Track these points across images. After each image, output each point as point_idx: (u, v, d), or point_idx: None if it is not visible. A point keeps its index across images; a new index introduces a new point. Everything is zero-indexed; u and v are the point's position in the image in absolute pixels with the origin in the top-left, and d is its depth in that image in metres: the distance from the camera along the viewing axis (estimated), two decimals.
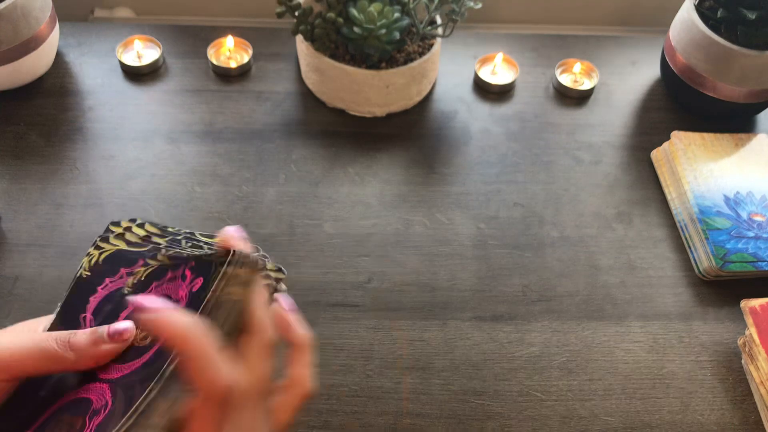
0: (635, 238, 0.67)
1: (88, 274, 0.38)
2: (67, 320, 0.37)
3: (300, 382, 0.37)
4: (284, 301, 0.38)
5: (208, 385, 0.30)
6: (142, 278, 0.37)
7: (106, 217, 0.64)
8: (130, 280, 0.37)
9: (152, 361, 0.32)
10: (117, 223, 0.41)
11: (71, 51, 0.77)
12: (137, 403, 0.30)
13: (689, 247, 0.66)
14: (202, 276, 0.34)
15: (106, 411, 0.31)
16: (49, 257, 0.61)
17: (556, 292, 0.62)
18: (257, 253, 0.35)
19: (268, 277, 0.36)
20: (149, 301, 0.31)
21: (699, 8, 0.72)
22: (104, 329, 0.34)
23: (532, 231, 0.66)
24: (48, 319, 0.37)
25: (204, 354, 0.30)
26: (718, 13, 0.71)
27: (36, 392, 0.35)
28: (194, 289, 0.35)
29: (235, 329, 0.33)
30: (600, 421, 0.55)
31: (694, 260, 0.65)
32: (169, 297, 0.36)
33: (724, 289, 0.63)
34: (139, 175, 0.67)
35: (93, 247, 0.39)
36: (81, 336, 0.34)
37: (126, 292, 0.37)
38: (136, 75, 0.76)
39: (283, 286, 0.39)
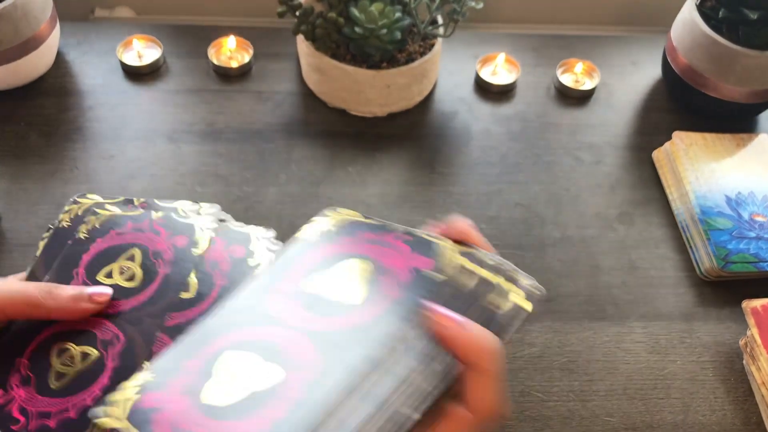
0: (636, 239, 0.66)
1: (86, 236, 0.44)
2: (61, 274, 0.41)
3: (483, 407, 0.32)
4: (435, 309, 0.33)
5: (484, 406, 0.29)
6: (98, 226, 0.43)
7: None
8: (84, 227, 0.43)
9: (155, 299, 0.35)
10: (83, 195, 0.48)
11: (71, 51, 0.77)
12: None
13: (691, 247, 0.66)
14: (429, 258, 0.33)
15: (123, 343, 0.34)
16: None
17: (558, 293, 0.62)
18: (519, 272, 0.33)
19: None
20: (443, 312, 0.30)
21: (700, 8, 0.72)
22: (87, 290, 0.37)
23: (533, 231, 0.66)
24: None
25: (495, 376, 0.29)
26: (720, 13, 0.70)
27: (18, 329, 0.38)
28: (180, 246, 0.41)
29: None
30: (601, 422, 0.55)
31: (696, 261, 0.65)
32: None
33: (726, 289, 0.63)
34: (139, 175, 0.67)
35: (71, 203, 0.47)
36: (64, 289, 0.37)
37: (83, 237, 0.43)
38: (136, 75, 0.75)
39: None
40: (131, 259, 0.40)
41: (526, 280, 0.33)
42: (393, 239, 0.34)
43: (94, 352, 0.35)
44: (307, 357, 0.28)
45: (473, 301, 0.31)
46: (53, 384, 0.35)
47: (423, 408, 0.27)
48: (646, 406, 0.56)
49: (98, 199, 0.48)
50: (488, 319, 0.31)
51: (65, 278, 0.42)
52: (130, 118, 0.72)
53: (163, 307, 0.37)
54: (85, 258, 0.41)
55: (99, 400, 0.32)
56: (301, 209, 0.66)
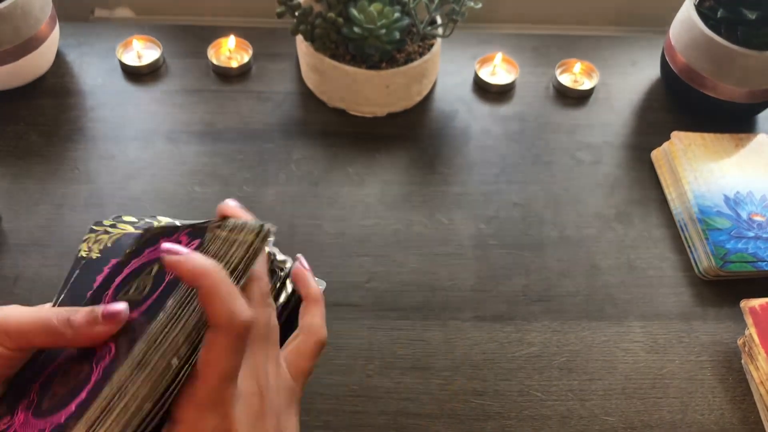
0: (635, 238, 0.67)
1: (98, 255, 0.43)
2: (74, 296, 0.41)
3: (315, 329, 0.40)
4: (300, 260, 0.42)
5: (228, 317, 0.31)
6: (134, 249, 0.41)
7: (106, 217, 0.63)
8: (127, 251, 0.41)
9: (152, 307, 0.34)
10: (100, 223, 0.46)
11: (71, 51, 0.77)
12: (148, 330, 0.32)
13: (689, 247, 0.66)
14: (198, 239, 0.36)
15: (111, 354, 0.34)
16: (49, 257, 0.61)
17: (556, 292, 0.62)
18: (254, 220, 0.36)
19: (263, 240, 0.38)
20: (173, 247, 0.33)
21: (699, 8, 0.72)
22: (99, 309, 0.35)
23: (532, 231, 0.66)
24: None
25: (226, 288, 0.31)
26: (719, 13, 0.71)
27: (49, 358, 0.38)
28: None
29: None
30: (600, 421, 0.55)
31: (694, 260, 0.65)
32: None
33: (724, 289, 0.63)
34: (139, 175, 0.67)
35: (89, 232, 0.45)
36: (79, 315, 0.35)
37: (121, 260, 0.41)
38: (136, 75, 0.76)
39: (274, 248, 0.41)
40: (149, 273, 0.38)
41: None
42: (183, 237, 0.38)
43: (86, 368, 0.34)
44: (108, 346, 0.34)
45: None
46: (44, 405, 0.34)
47: (183, 353, 0.31)
48: (644, 405, 0.56)
49: (129, 228, 0.47)
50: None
51: (97, 303, 0.41)
52: (130, 118, 0.72)
53: (155, 312, 0.36)
54: (117, 280, 0.40)
55: (71, 416, 0.32)
56: (301, 209, 0.66)
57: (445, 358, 0.58)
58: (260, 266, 0.35)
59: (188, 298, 0.33)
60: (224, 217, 0.37)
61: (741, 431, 0.55)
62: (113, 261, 0.42)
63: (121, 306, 0.35)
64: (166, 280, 0.35)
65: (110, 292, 0.39)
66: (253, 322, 0.32)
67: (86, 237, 0.46)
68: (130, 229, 0.45)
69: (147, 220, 0.47)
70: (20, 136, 0.69)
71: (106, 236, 0.45)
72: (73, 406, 0.33)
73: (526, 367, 0.58)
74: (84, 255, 0.44)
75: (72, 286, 0.42)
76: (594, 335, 0.60)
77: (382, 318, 0.60)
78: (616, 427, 0.55)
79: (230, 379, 0.31)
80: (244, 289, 0.34)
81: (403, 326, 0.59)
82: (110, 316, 0.34)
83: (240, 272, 0.34)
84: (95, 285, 0.40)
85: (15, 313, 0.35)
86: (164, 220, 0.47)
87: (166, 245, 0.33)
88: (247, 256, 0.34)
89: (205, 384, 0.31)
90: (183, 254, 0.32)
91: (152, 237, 0.40)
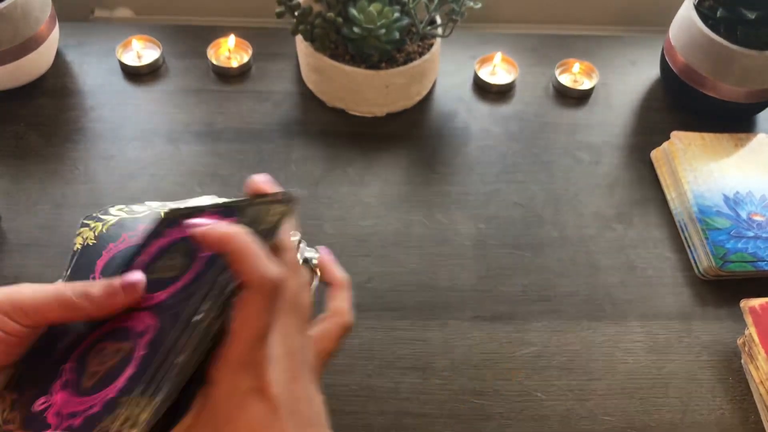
0: (635, 238, 0.67)
1: (94, 242, 0.44)
2: (76, 280, 0.41)
3: (341, 313, 0.41)
4: (323, 250, 0.43)
5: (259, 277, 0.31)
6: (155, 229, 0.41)
7: None
8: (146, 234, 0.41)
9: (189, 284, 0.35)
10: (90, 216, 0.48)
11: (71, 51, 0.77)
12: (187, 312, 0.33)
13: (689, 246, 0.66)
14: (231, 218, 0.37)
15: (154, 330, 0.34)
16: (49, 257, 0.61)
17: (556, 292, 0.62)
18: (281, 192, 0.37)
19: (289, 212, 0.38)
20: (199, 220, 0.33)
21: (699, 8, 0.72)
22: (118, 281, 0.36)
23: (532, 231, 0.67)
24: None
25: (253, 251, 0.31)
26: (718, 12, 0.71)
27: (63, 335, 0.38)
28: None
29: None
30: (599, 421, 0.55)
31: (694, 260, 0.65)
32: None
33: (724, 288, 0.63)
34: (139, 175, 0.67)
35: (81, 227, 0.47)
36: (97, 286, 0.36)
37: (142, 242, 0.41)
38: (136, 75, 0.76)
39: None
40: (176, 251, 0.39)
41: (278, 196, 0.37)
42: (208, 216, 0.38)
43: (126, 347, 0.35)
44: (147, 324, 0.34)
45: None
46: (86, 383, 0.35)
47: (205, 308, 0.32)
48: (644, 405, 0.56)
49: (122, 214, 0.48)
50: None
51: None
52: (130, 118, 0.72)
53: (195, 290, 0.37)
54: (140, 260, 0.40)
55: (122, 390, 0.32)
56: (301, 209, 0.66)
57: (445, 358, 0.58)
58: (287, 238, 0.36)
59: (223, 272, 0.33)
60: (256, 195, 0.37)
61: (741, 431, 0.55)
62: (111, 245, 0.43)
63: (138, 276, 0.36)
64: (198, 258, 0.36)
65: (96, 275, 0.41)
66: (283, 281, 0.32)
67: (79, 231, 0.47)
68: (123, 215, 0.46)
69: (134, 207, 0.49)
70: (20, 136, 0.69)
71: (99, 224, 0.46)
72: (121, 382, 0.33)
73: (526, 367, 0.58)
74: (80, 248, 0.45)
75: (72, 273, 0.42)
76: (594, 335, 0.60)
77: (382, 318, 0.60)
78: (616, 427, 0.55)
79: (263, 338, 0.32)
80: (274, 255, 0.34)
81: (403, 326, 0.59)
82: (129, 286, 0.35)
83: (269, 233, 0.34)
84: (96, 269, 0.41)
85: (28, 290, 0.35)
86: (154, 205, 0.49)
87: (192, 220, 0.34)
88: (277, 221, 0.35)
89: (238, 344, 0.31)
90: (209, 224, 0.32)
91: (174, 219, 0.40)
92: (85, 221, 0.48)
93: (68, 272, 0.43)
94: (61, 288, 0.35)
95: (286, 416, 0.32)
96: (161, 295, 0.36)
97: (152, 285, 0.37)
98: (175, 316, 0.33)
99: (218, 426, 0.31)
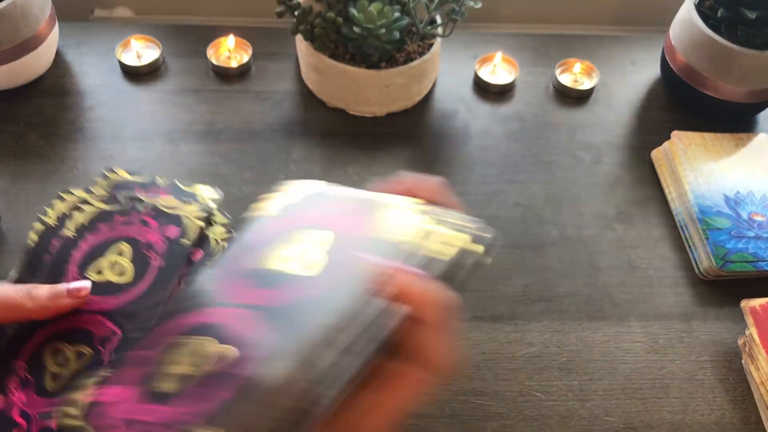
0: (635, 238, 0.67)
1: (74, 234, 0.45)
2: (53, 274, 0.42)
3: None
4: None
5: (435, 359, 0.28)
6: (86, 223, 0.43)
7: None
8: (71, 224, 0.44)
9: (151, 291, 0.36)
10: (68, 192, 0.49)
11: (71, 51, 0.77)
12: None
13: (689, 246, 0.66)
14: (176, 226, 0.39)
15: (118, 337, 0.35)
16: None
17: (557, 292, 0.62)
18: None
19: None
20: (400, 265, 0.29)
21: (699, 8, 0.72)
22: (63, 286, 0.38)
23: (532, 231, 0.66)
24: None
25: (444, 329, 0.28)
26: (719, 12, 0.71)
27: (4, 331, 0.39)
28: (172, 237, 0.41)
29: None
30: (600, 421, 0.55)
31: (695, 260, 0.65)
32: (132, 239, 0.41)
33: (725, 289, 0.63)
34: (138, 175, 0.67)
35: (57, 200, 0.48)
36: (42, 289, 0.37)
37: (71, 236, 0.43)
38: (135, 75, 0.76)
39: None
40: (120, 254, 0.40)
41: (475, 225, 0.32)
42: (354, 207, 0.34)
43: (88, 351, 0.35)
44: (109, 330, 0.33)
45: (416, 254, 0.30)
46: (49, 385, 0.35)
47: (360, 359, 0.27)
48: (644, 405, 0.56)
49: (126, 176, 0.51)
50: (431, 265, 0.30)
51: (57, 278, 0.42)
52: (130, 118, 0.72)
53: (160, 299, 0.37)
54: (77, 255, 0.42)
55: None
56: None
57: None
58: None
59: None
60: (430, 201, 0.33)
61: (741, 431, 0.55)
62: (88, 236, 0.44)
63: (86, 283, 0.38)
64: (150, 266, 0.36)
65: (73, 267, 0.42)
66: (448, 370, 0.29)
67: (56, 203, 0.49)
68: (104, 207, 0.48)
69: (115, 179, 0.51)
70: (20, 136, 0.69)
71: (80, 214, 0.47)
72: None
73: (526, 367, 0.58)
74: (51, 224, 0.47)
75: (44, 263, 0.43)
76: (594, 335, 0.60)
77: None
78: (617, 427, 0.55)
79: (398, 426, 0.28)
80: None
81: None
82: (76, 292, 0.37)
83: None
84: (73, 260, 0.42)
85: None
86: (121, 173, 0.52)
87: (392, 263, 0.29)
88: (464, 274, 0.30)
89: (378, 416, 0.28)
90: (412, 277, 0.29)
91: (104, 213, 0.42)
92: (107, 174, 0.51)
93: (30, 256, 0.44)
94: (6, 289, 0.36)
95: None
96: (114, 300, 0.37)
97: (101, 288, 0.38)
98: (138, 325, 0.33)
99: None
